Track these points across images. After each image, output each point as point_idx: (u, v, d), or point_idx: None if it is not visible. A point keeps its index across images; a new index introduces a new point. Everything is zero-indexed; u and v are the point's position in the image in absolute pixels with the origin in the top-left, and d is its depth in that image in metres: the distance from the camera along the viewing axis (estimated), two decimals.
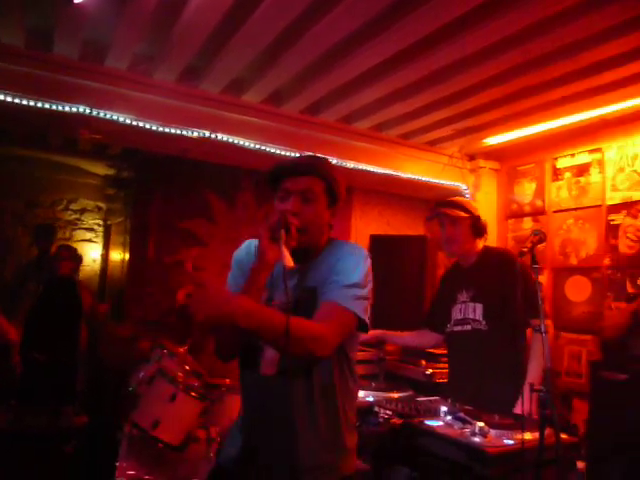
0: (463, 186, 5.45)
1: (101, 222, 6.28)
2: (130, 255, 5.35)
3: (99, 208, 6.29)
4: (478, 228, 2.94)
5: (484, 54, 3.43)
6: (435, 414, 2.30)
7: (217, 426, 3.32)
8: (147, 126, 3.99)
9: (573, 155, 4.82)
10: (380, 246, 4.69)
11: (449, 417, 2.24)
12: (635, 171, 4.31)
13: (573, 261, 4.72)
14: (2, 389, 3.93)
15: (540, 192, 5.09)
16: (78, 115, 3.75)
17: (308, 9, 3.05)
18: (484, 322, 2.82)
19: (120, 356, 4.32)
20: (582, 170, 4.73)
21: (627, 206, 4.34)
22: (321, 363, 1.67)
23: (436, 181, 5.32)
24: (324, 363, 1.67)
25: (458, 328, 2.93)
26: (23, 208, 5.79)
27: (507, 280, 2.70)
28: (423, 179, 5.27)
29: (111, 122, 3.87)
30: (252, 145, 4.39)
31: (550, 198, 4.99)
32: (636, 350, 3.65)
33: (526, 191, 5.25)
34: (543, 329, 1.97)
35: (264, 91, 4.21)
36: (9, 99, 3.54)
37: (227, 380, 3.69)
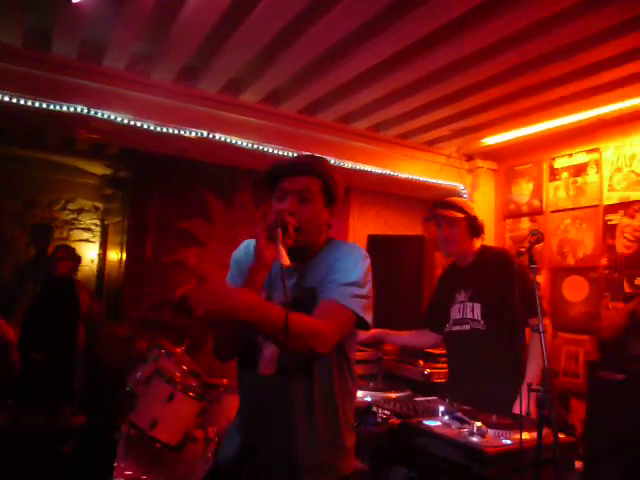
0: (461, 186, 5.45)
1: (98, 222, 6.27)
2: (127, 255, 5.34)
3: (96, 208, 6.27)
4: (475, 228, 2.94)
5: (482, 54, 3.43)
6: (433, 414, 2.31)
7: (215, 426, 3.32)
8: (145, 126, 3.99)
9: (571, 155, 4.83)
10: (378, 246, 4.69)
11: (447, 417, 2.24)
12: (632, 171, 4.32)
13: (570, 261, 4.72)
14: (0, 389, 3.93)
15: (538, 192, 5.10)
16: (76, 115, 3.75)
17: (306, 9, 3.05)
18: (482, 322, 2.83)
19: (117, 356, 4.30)
20: (579, 170, 4.73)
21: (624, 206, 4.34)
22: (320, 363, 1.67)
23: (434, 181, 5.33)
24: (323, 363, 1.67)
25: (457, 328, 2.94)
26: (21, 208, 5.77)
27: (505, 280, 2.71)
28: (421, 179, 5.28)
29: (109, 122, 3.87)
30: (250, 145, 4.39)
31: (548, 198, 5.00)
32: (633, 350, 3.66)
33: (524, 191, 5.25)
34: (541, 329, 1.97)
35: (262, 91, 4.21)
36: (7, 99, 3.53)
37: (225, 380, 3.69)
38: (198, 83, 4.06)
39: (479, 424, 2.06)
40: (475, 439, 1.99)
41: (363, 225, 5.88)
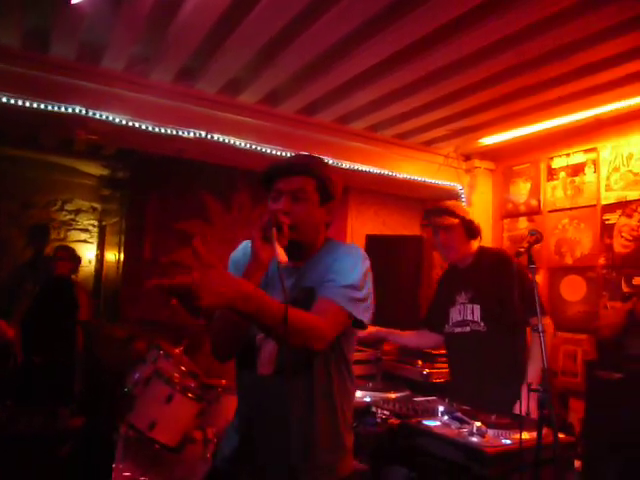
0: (458, 186, 5.46)
1: (96, 223, 6.27)
2: (125, 256, 5.34)
3: (94, 209, 6.27)
4: (471, 230, 2.94)
5: (480, 54, 3.44)
6: (433, 414, 2.31)
7: (214, 427, 3.30)
8: (143, 126, 3.99)
9: (568, 155, 4.83)
10: (376, 246, 4.69)
11: (446, 417, 2.24)
12: (630, 171, 4.33)
13: (568, 261, 4.73)
14: None
15: (535, 192, 5.10)
16: (74, 116, 3.74)
17: (304, 10, 3.05)
18: (482, 324, 2.83)
19: (116, 357, 4.30)
20: (577, 170, 4.74)
21: (622, 205, 4.35)
22: (319, 363, 1.67)
23: (432, 181, 5.33)
24: (322, 363, 1.67)
25: (458, 330, 2.94)
26: (18, 209, 5.76)
27: (504, 281, 2.71)
28: (419, 179, 5.29)
29: (107, 123, 3.87)
30: (248, 145, 4.39)
31: (545, 198, 5.01)
32: (631, 349, 3.67)
33: (521, 191, 5.26)
34: (540, 328, 1.98)
35: (260, 91, 4.20)
36: (5, 100, 3.53)
37: (223, 381, 3.67)
38: (196, 84, 4.06)
39: (479, 424, 2.06)
40: (475, 439, 1.99)
41: (361, 225, 5.88)
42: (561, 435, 2.05)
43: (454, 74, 3.72)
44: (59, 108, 3.68)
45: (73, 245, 5.60)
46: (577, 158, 4.76)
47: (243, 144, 4.37)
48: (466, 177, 5.51)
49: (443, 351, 3.30)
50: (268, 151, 4.46)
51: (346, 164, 4.82)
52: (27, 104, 3.59)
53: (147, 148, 4.69)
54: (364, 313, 1.68)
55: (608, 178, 4.49)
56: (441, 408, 2.31)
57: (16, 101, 3.56)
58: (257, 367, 1.72)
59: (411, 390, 2.94)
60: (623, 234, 4.31)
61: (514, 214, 5.32)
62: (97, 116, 3.80)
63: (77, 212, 6.18)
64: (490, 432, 2.06)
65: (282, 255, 1.54)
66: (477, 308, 2.86)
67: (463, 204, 5.23)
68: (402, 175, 5.20)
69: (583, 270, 4.60)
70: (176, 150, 4.51)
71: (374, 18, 3.10)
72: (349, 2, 2.92)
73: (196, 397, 3.21)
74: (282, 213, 1.64)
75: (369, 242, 4.81)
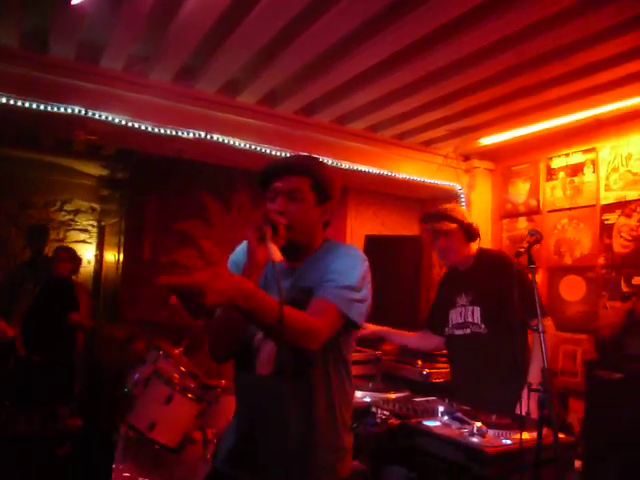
0: (458, 186, 5.46)
1: (95, 223, 6.26)
2: (124, 256, 5.34)
3: (93, 209, 6.27)
4: (470, 233, 2.94)
5: (480, 55, 3.44)
6: (433, 414, 2.31)
7: (214, 427, 3.31)
8: (142, 127, 3.98)
9: (567, 155, 4.83)
10: (375, 246, 4.69)
11: (447, 417, 2.25)
12: (629, 171, 4.33)
13: (568, 261, 4.73)
14: None
15: (534, 192, 5.10)
16: (73, 116, 3.74)
17: (304, 10, 3.05)
18: (483, 326, 2.83)
19: (115, 357, 4.30)
20: (576, 170, 4.74)
21: (621, 205, 4.35)
22: (318, 363, 1.66)
23: (431, 181, 5.33)
24: (321, 363, 1.67)
25: (459, 332, 2.94)
26: (16, 209, 5.76)
27: (504, 283, 2.71)
28: (418, 179, 5.28)
29: (106, 123, 3.86)
30: (247, 146, 4.39)
31: (544, 198, 5.01)
32: (631, 349, 3.67)
33: (520, 191, 5.26)
34: (540, 329, 1.98)
35: (259, 92, 4.20)
36: (4, 100, 3.52)
37: (223, 381, 3.67)
38: (196, 84, 4.05)
39: (479, 424, 2.07)
40: (475, 439, 1.99)
41: (360, 225, 5.88)
42: (561, 435, 2.05)
43: (454, 74, 3.71)
44: (58, 108, 3.67)
45: (72, 245, 5.60)
46: (576, 158, 4.76)
47: (242, 144, 4.37)
48: (465, 177, 5.51)
49: (443, 351, 3.30)
50: (268, 151, 4.46)
51: (345, 164, 4.82)
52: (26, 104, 3.58)
53: (146, 148, 4.69)
54: (359, 315, 1.67)
55: (607, 178, 4.49)
56: (441, 408, 2.31)
57: (15, 101, 3.55)
58: (256, 368, 1.71)
59: (411, 390, 2.95)
60: (622, 234, 4.32)
61: (513, 214, 5.32)
62: (96, 116, 3.80)
63: (76, 212, 6.18)
64: (490, 432, 2.06)
65: (277, 254, 1.54)
66: (477, 310, 2.86)
67: (462, 205, 5.24)
68: (401, 175, 5.19)
69: (582, 270, 4.60)
70: (175, 150, 4.51)
71: (374, 18, 3.10)
72: (349, 2, 2.92)
73: (196, 398, 3.21)
74: (278, 213, 1.64)
75: (368, 242, 4.81)
